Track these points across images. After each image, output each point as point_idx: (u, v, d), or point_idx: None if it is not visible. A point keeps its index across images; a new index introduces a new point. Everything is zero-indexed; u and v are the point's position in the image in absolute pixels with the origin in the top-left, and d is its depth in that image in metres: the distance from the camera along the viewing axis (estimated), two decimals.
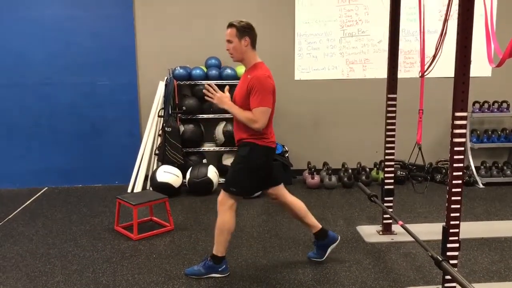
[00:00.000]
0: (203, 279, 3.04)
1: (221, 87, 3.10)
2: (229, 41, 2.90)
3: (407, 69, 5.45)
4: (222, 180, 4.99)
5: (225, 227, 2.97)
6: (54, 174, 5.38)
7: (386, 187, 3.73)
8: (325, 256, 3.28)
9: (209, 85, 2.97)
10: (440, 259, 2.49)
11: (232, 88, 3.14)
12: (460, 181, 2.52)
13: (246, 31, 2.87)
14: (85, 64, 5.26)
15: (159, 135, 5.23)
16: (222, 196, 3.00)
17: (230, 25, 2.89)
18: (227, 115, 5.15)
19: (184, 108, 5.14)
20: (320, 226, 3.23)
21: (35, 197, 5.02)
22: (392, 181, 3.73)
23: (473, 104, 5.40)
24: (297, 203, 3.20)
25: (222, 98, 2.93)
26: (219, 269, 3.07)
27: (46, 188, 5.36)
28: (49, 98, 5.28)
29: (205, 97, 2.99)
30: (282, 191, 3.17)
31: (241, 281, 3.02)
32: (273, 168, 3.14)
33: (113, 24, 5.26)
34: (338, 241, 3.30)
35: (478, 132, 5.48)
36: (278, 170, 3.23)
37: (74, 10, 5.17)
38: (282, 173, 5.18)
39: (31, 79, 5.23)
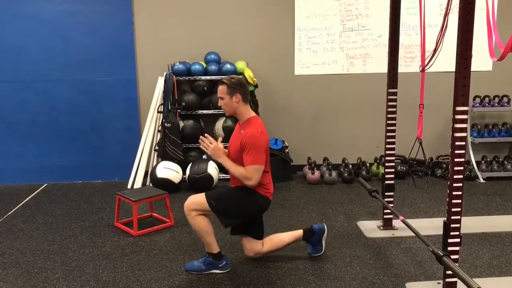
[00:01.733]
0: (204, 275, 3.04)
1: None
2: (221, 98, 2.98)
3: (408, 64, 5.43)
4: (222, 176, 4.99)
5: (204, 230, 2.97)
6: (54, 171, 5.37)
7: (386, 182, 3.72)
8: (323, 248, 3.28)
9: (204, 136, 3.01)
10: (441, 254, 2.48)
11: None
12: (461, 176, 2.51)
13: (236, 88, 2.93)
14: (84, 60, 5.23)
15: (158, 131, 5.22)
16: (195, 202, 2.95)
17: (221, 83, 2.96)
18: None
19: (183, 103, 5.12)
20: (301, 232, 3.23)
21: (35, 193, 5.01)
22: (392, 176, 3.72)
23: (474, 99, 5.38)
24: (271, 243, 3.19)
25: (216, 151, 2.96)
26: (220, 265, 3.06)
27: (46, 184, 5.35)
28: (48, 95, 5.26)
29: (201, 147, 3.03)
30: (259, 245, 3.16)
31: (241, 277, 3.02)
32: (262, 222, 3.18)
33: (112, 19, 5.23)
34: (326, 230, 3.26)
35: (479, 126, 5.46)
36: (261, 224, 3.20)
37: (72, 6, 5.14)
38: (282, 169, 5.19)
39: (30, 75, 5.21)
